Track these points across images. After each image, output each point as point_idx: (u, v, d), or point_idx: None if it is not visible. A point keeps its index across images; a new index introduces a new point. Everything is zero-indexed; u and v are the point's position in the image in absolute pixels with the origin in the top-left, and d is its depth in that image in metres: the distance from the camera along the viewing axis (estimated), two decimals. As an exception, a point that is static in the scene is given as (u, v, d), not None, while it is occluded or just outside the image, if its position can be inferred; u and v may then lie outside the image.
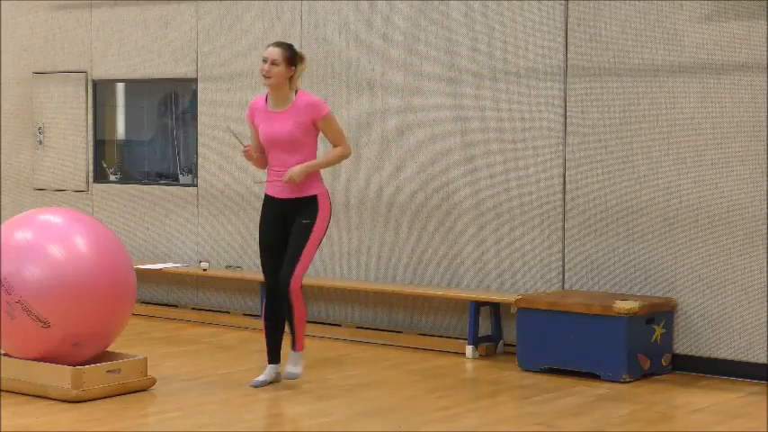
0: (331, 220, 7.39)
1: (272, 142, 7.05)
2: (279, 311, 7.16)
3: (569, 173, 8.27)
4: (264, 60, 7.00)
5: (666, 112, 7.87)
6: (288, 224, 7.09)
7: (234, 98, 9.97)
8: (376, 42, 9.11)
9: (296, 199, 7.05)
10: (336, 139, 7.10)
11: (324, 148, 7.60)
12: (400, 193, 9.02)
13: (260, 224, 7.23)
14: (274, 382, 7.27)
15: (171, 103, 10.77)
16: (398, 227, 9.06)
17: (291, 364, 7.21)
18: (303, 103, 7.02)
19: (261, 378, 7.25)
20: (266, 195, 7.18)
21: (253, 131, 7.23)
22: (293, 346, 7.18)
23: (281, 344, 7.28)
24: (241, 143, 7.32)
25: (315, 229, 7.04)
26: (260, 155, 7.22)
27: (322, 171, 7.23)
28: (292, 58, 7.04)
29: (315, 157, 7.09)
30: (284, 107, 7.04)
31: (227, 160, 10.01)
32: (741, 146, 7.60)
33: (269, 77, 6.98)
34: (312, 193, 7.07)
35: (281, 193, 7.08)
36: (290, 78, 7.04)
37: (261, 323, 9.52)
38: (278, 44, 7.10)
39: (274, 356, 7.28)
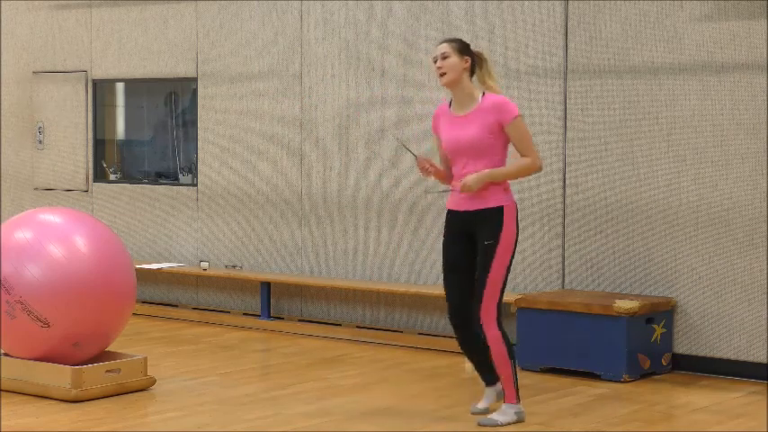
0: (519, 235, 6.45)
1: (455, 149, 6.25)
2: (471, 341, 6.39)
3: (569, 172, 8.27)
4: (435, 60, 6.29)
5: (666, 112, 7.87)
6: (473, 241, 6.30)
7: (234, 98, 9.97)
8: (376, 42, 9.11)
9: (476, 212, 6.23)
10: (523, 148, 6.22)
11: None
12: (400, 193, 9.02)
13: (443, 242, 6.47)
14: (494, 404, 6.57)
15: (171, 102, 10.77)
16: (398, 227, 9.06)
17: (497, 412, 6.36)
18: (490, 104, 6.20)
19: (479, 405, 6.56)
20: (448, 210, 6.42)
21: (438, 141, 6.48)
22: (503, 397, 6.37)
23: (486, 365, 6.44)
24: (413, 153, 6.62)
25: (498, 250, 6.19)
26: (444, 167, 6.44)
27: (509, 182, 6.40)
28: (465, 48, 6.28)
29: (503, 165, 6.26)
30: (469, 109, 6.27)
31: (227, 160, 10.02)
32: (741, 145, 7.60)
33: (443, 73, 6.23)
34: (496, 204, 6.21)
35: (460, 204, 6.30)
36: (467, 71, 6.27)
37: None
38: (444, 40, 6.41)
39: (486, 379, 6.54)
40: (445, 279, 6.44)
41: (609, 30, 8.04)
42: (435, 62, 6.28)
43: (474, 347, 6.40)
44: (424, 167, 6.32)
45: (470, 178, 6.15)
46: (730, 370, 7.70)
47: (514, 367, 6.33)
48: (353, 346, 8.82)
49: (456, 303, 6.39)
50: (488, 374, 6.50)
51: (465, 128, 6.22)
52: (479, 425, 6.28)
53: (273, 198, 9.76)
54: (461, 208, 6.29)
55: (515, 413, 6.32)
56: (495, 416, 6.32)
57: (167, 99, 10.82)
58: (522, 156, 6.23)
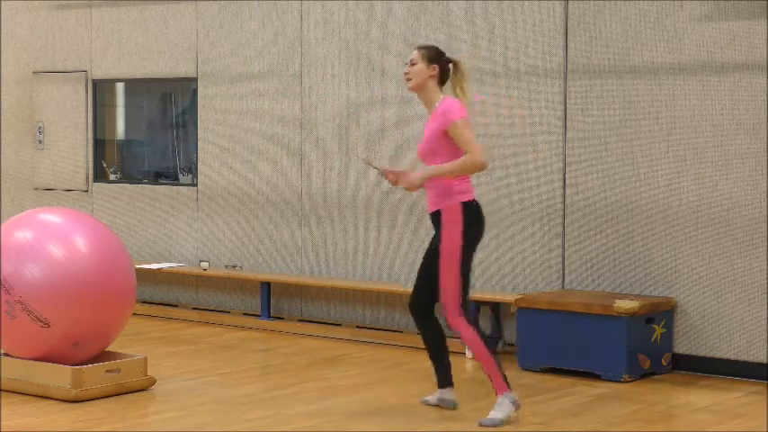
0: (474, 230, 6.48)
1: (419, 154, 6.59)
2: (422, 328, 6.63)
3: (569, 172, 8.27)
4: (406, 65, 6.56)
5: (666, 112, 7.87)
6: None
7: (234, 98, 9.97)
8: (376, 42, 9.11)
9: (431, 214, 6.52)
10: (464, 148, 6.36)
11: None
12: (400, 193, 9.02)
13: None
14: (439, 406, 6.74)
15: (171, 103, 10.77)
16: (398, 227, 9.06)
17: (493, 410, 6.40)
18: (440, 109, 6.43)
19: (429, 398, 6.80)
20: None
21: None
22: (494, 390, 6.47)
23: (441, 366, 6.68)
24: (375, 168, 6.76)
25: (441, 252, 6.39)
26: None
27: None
28: (434, 57, 6.50)
29: None
30: (430, 114, 6.53)
31: (227, 160, 10.02)
32: (741, 145, 7.60)
33: (408, 78, 6.50)
34: (437, 207, 6.46)
35: (428, 207, 6.57)
36: (432, 78, 6.47)
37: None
38: (419, 46, 6.63)
39: (440, 379, 6.72)
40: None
41: (609, 30, 8.04)
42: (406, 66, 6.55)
43: (430, 339, 6.65)
44: (389, 178, 6.56)
45: (410, 178, 6.43)
46: (730, 370, 7.70)
47: (497, 359, 6.41)
48: (353, 346, 8.82)
49: (412, 292, 6.68)
50: (442, 374, 6.69)
51: (425, 133, 6.52)
52: (480, 425, 6.31)
53: (273, 198, 9.76)
54: (428, 210, 6.57)
55: (511, 402, 6.39)
56: (493, 413, 6.36)
57: (167, 99, 10.82)
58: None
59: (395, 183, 6.56)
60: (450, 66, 6.54)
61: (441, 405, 6.72)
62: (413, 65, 6.51)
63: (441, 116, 6.41)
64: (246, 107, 9.89)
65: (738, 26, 7.56)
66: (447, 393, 6.72)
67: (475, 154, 6.32)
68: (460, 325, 6.40)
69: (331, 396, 7.06)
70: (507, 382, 6.42)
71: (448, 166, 6.36)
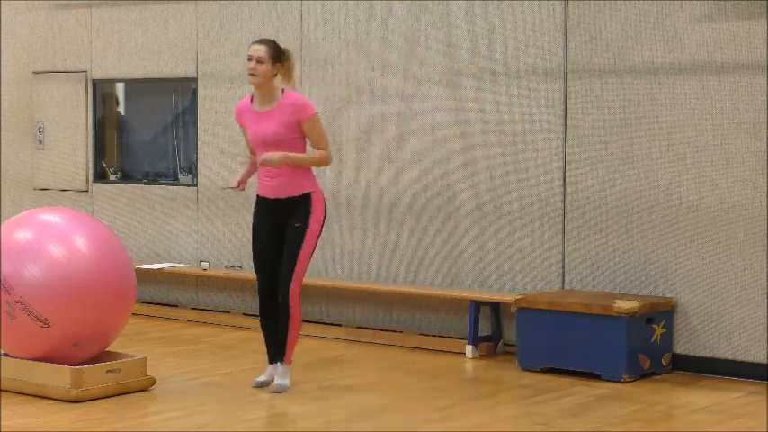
0: (325, 220, 7.17)
1: (260, 143, 6.95)
2: (275, 311, 7.05)
3: (569, 172, 8.27)
4: (250, 58, 6.91)
5: (666, 112, 7.87)
6: (281, 225, 7.01)
7: (234, 98, 9.96)
8: (376, 42, 9.11)
9: (288, 199, 6.96)
10: (318, 143, 6.98)
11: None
12: (400, 193, 9.02)
13: (252, 226, 7.21)
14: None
15: (171, 103, 10.77)
16: (398, 226, 9.05)
17: (279, 377, 7.08)
18: (289, 103, 6.92)
19: (261, 378, 7.21)
20: (258, 197, 7.12)
21: (244, 132, 7.18)
22: (282, 359, 7.06)
23: (281, 342, 7.13)
24: (230, 188, 7.32)
25: (308, 232, 6.96)
26: (251, 159, 7.19)
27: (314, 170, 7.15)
28: (278, 55, 6.96)
29: None
30: (270, 106, 6.95)
31: (227, 160, 10.01)
32: (741, 145, 7.60)
33: (255, 75, 6.90)
34: (304, 191, 6.98)
35: (272, 193, 7.00)
36: (275, 76, 6.96)
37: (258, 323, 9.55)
38: (262, 41, 7.02)
39: (274, 355, 7.16)
40: (254, 258, 7.18)
41: (609, 30, 8.04)
42: (250, 60, 6.90)
43: (275, 321, 7.03)
44: (240, 188, 7.12)
45: (271, 154, 6.79)
46: (730, 370, 7.70)
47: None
48: (353, 346, 8.82)
49: (264, 280, 7.07)
50: (276, 351, 7.09)
51: (267, 123, 6.90)
52: (274, 393, 6.95)
53: (273, 198, 9.74)
54: (274, 195, 6.98)
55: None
56: (279, 381, 7.01)
57: (167, 99, 10.81)
58: (316, 149, 6.99)
59: (243, 188, 7.10)
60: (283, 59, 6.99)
61: (268, 381, 7.15)
62: (260, 62, 6.88)
63: (294, 109, 6.87)
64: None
65: (738, 26, 7.56)
66: (277, 369, 7.09)
67: (327, 152, 6.99)
68: (297, 303, 6.94)
69: (331, 396, 7.06)
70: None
71: (306, 157, 6.93)
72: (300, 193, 6.96)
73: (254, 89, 7.02)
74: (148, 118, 11.08)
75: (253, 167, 7.18)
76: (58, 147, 11.11)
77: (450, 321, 8.78)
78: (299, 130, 6.93)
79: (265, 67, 6.90)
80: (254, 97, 7.07)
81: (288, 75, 7.01)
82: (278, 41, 7.17)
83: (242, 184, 7.11)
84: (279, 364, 7.07)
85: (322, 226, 7.04)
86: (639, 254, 8.00)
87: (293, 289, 6.93)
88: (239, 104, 7.20)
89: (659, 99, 7.88)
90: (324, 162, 7.04)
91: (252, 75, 6.91)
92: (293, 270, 6.93)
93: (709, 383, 7.58)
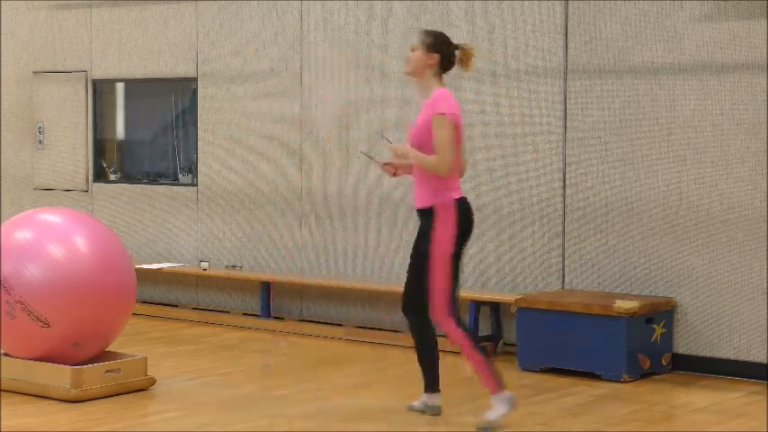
0: (465, 229, 6.27)
1: (409, 141, 6.33)
2: (414, 330, 6.49)
3: (569, 173, 8.27)
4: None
5: (666, 112, 7.87)
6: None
7: (234, 97, 9.97)
8: (376, 42, 9.11)
9: (417, 210, 6.31)
10: (434, 147, 6.15)
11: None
12: (400, 193, 9.02)
13: None
14: (426, 412, 6.56)
15: (171, 102, 10.77)
16: (398, 227, 9.06)
17: (489, 411, 6.27)
18: (430, 101, 6.23)
19: (415, 403, 6.60)
20: None
21: None
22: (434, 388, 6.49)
23: (431, 370, 6.54)
24: (375, 161, 6.68)
25: (432, 251, 6.18)
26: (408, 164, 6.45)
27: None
28: (435, 44, 6.26)
29: None
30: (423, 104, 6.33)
31: (227, 160, 10.01)
32: (741, 145, 7.60)
33: (407, 64, 6.32)
34: (426, 204, 6.24)
35: (415, 201, 6.36)
36: (432, 68, 6.25)
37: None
38: (422, 30, 6.42)
39: (426, 382, 6.54)
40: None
41: (609, 30, 8.04)
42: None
43: (420, 340, 6.47)
44: (389, 171, 6.48)
45: (396, 145, 6.34)
46: (730, 370, 7.70)
47: (486, 358, 6.27)
48: (353, 346, 8.82)
49: (403, 293, 6.50)
50: (429, 377, 6.51)
51: (416, 121, 6.30)
52: (477, 430, 6.21)
53: (273, 198, 9.76)
54: (416, 203, 6.35)
55: (506, 400, 6.23)
56: (488, 415, 6.23)
57: (167, 99, 10.81)
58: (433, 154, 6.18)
59: (395, 174, 6.48)
60: (457, 53, 6.31)
61: (425, 411, 6.52)
62: (413, 50, 6.31)
63: (428, 107, 6.22)
64: (246, 107, 9.89)
65: (738, 26, 7.56)
66: (433, 399, 6.52)
67: (440, 159, 6.12)
68: (449, 325, 6.24)
69: (331, 396, 7.06)
70: (500, 382, 6.24)
71: (422, 157, 6.18)
72: (424, 206, 6.25)
73: (415, 83, 6.43)
74: (148, 118, 11.08)
75: (411, 168, 6.45)
76: (58, 146, 11.11)
77: (450, 321, 8.77)
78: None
79: (417, 55, 6.25)
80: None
81: (464, 68, 6.36)
82: (442, 33, 6.47)
83: (392, 167, 6.45)
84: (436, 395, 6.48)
85: (454, 240, 6.18)
86: (639, 254, 8.00)
87: (434, 313, 6.24)
88: None
89: (659, 99, 7.88)
90: (435, 170, 6.15)
91: (406, 64, 6.35)
92: (426, 296, 6.24)
93: (709, 383, 7.58)
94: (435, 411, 6.52)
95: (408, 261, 6.50)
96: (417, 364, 6.54)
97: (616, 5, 8.00)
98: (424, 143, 6.20)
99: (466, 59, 6.37)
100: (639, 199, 7.99)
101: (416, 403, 6.59)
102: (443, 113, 6.14)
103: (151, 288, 10.42)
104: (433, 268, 6.20)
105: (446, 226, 6.18)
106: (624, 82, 8.01)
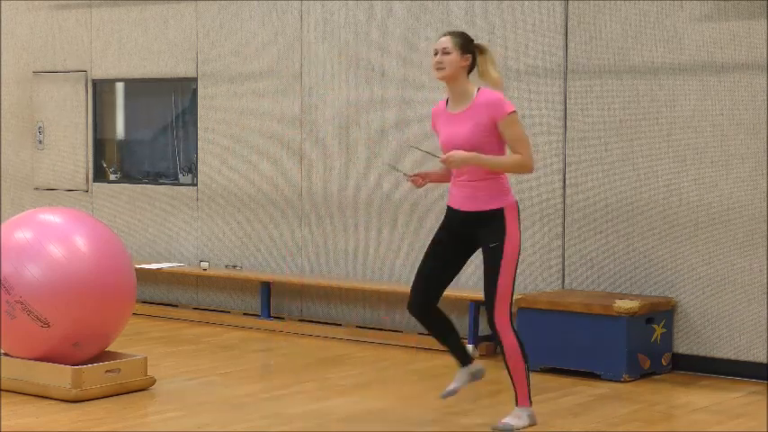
0: (521, 234, 6.36)
1: (451, 147, 6.07)
2: (434, 325, 6.38)
3: (569, 173, 8.27)
4: (435, 53, 6.11)
5: (666, 112, 7.87)
6: (467, 243, 6.26)
7: (234, 98, 9.97)
8: (376, 42, 9.11)
9: (480, 213, 6.11)
10: (515, 146, 6.05)
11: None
12: (401, 193, 9.02)
13: (432, 239, 6.41)
14: (474, 380, 6.49)
15: (171, 102, 10.77)
16: (399, 227, 9.06)
17: (510, 416, 6.21)
18: (483, 102, 6.05)
19: (450, 386, 6.44)
20: (448, 207, 6.29)
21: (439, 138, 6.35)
22: (515, 399, 6.23)
23: (455, 345, 6.40)
24: (403, 173, 6.54)
25: (505, 252, 6.08)
26: (441, 171, 6.37)
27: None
28: (467, 45, 6.14)
29: None
30: (464, 107, 6.11)
31: (227, 160, 10.01)
32: (741, 145, 7.60)
33: (441, 68, 6.09)
34: (497, 206, 6.10)
35: (460, 204, 6.18)
36: (467, 70, 6.14)
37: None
38: (447, 32, 6.23)
39: (459, 359, 6.43)
40: (420, 264, 6.36)
41: (609, 30, 8.04)
42: (435, 54, 6.13)
43: (442, 331, 6.36)
44: (416, 183, 6.31)
45: (456, 153, 6.01)
46: (730, 370, 7.70)
47: (528, 370, 6.21)
48: (353, 346, 8.82)
49: (420, 290, 6.34)
50: (461, 355, 6.43)
51: (460, 126, 6.08)
52: (494, 430, 6.17)
53: (274, 198, 9.76)
54: (462, 208, 6.17)
55: (528, 416, 6.21)
56: (509, 420, 6.16)
57: (167, 99, 10.81)
58: (514, 152, 6.08)
59: (421, 185, 6.35)
60: (477, 52, 6.19)
61: (473, 379, 6.42)
62: (446, 53, 6.11)
63: (488, 108, 6.03)
64: (246, 107, 9.89)
65: (738, 26, 7.56)
66: (472, 367, 6.41)
67: (528, 156, 6.05)
68: (509, 332, 6.10)
69: (331, 396, 7.06)
70: (530, 397, 6.22)
71: (500, 160, 6.04)
72: (491, 208, 6.11)
73: (447, 87, 6.19)
74: (148, 118, 11.08)
75: (444, 174, 6.36)
76: (58, 146, 11.11)
77: (450, 321, 8.77)
78: (496, 133, 6.04)
79: (453, 58, 6.07)
80: (449, 98, 6.22)
81: (485, 70, 6.16)
82: (467, 34, 6.33)
83: (422, 178, 6.31)
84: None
85: (520, 243, 6.16)
86: (639, 254, 8.00)
87: (499, 320, 6.09)
88: (434, 108, 6.37)
89: (659, 99, 7.88)
90: (523, 168, 6.10)
91: (438, 69, 6.10)
92: (495, 299, 6.10)
93: (709, 383, 7.58)
94: (481, 374, 6.46)
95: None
96: (444, 348, 6.46)
97: (616, 5, 8.00)
98: (482, 145, 6.05)
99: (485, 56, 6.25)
100: (639, 199, 7.99)
101: (452, 386, 6.42)
102: (514, 111, 6.06)
103: (151, 288, 10.42)
104: (505, 272, 6.10)
105: (516, 228, 6.12)
106: (624, 82, 8.01)
